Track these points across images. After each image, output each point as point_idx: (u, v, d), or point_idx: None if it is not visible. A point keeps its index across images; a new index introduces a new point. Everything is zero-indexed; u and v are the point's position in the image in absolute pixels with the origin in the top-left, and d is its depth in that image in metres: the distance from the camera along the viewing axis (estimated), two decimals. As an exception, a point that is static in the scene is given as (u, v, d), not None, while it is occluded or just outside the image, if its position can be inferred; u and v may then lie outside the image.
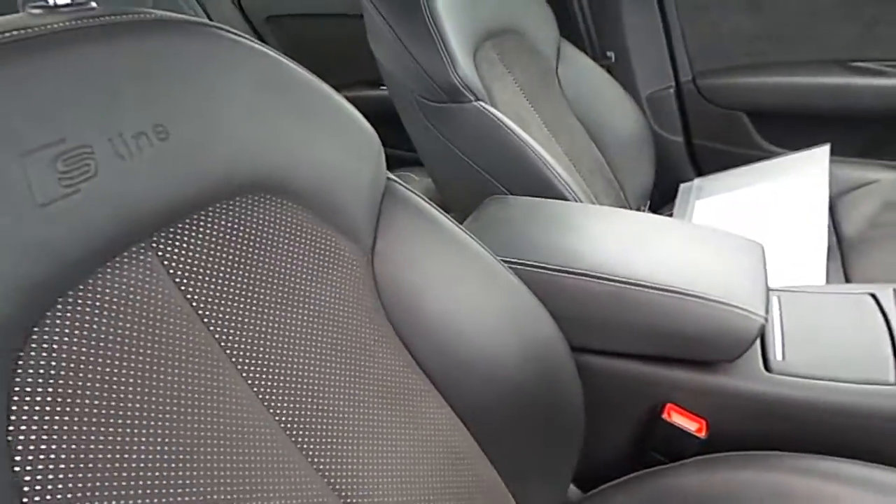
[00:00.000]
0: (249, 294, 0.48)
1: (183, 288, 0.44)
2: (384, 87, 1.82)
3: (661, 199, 1.47)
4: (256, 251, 0.49)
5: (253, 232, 0.49)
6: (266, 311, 0.49)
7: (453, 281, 0.61)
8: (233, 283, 0.47)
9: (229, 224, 0.48)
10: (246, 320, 0.47)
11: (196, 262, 0.45)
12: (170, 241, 0.44)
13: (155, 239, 0.43)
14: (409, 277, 0.60)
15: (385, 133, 0.59)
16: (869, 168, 1.23)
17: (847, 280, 0.99)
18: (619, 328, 0.70)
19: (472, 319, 0.60)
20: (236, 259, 0.48)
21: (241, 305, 0.47)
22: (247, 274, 0.48)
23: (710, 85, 1.45)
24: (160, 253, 0.43)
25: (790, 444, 0.64)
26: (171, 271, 0.43)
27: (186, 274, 0.44)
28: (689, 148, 1.54)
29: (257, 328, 0.48)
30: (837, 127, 1.35)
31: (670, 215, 1.36)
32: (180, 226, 0.45)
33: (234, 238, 0.48)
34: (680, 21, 1.43)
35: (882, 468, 0.59)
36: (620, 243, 0.75)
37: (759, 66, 1.41)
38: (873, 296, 0.77)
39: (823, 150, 1.27)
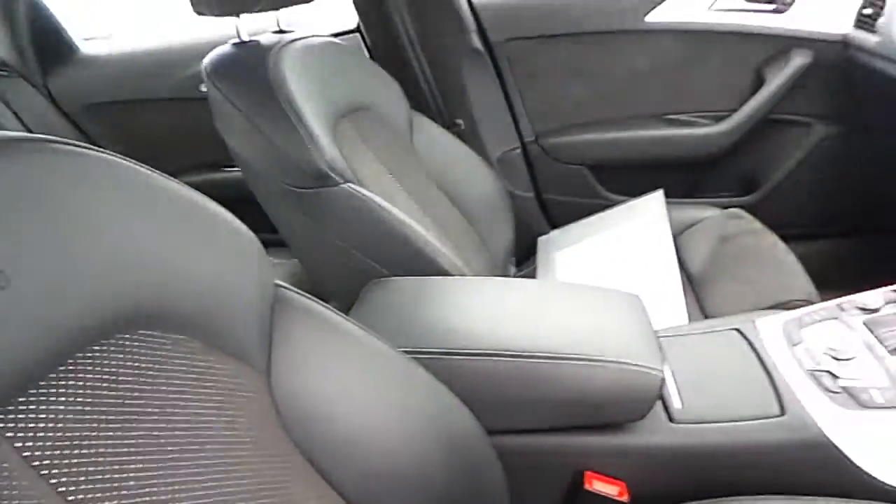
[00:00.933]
0: (125, 460, 0.39)
1: (36, 464, 0.34)
2: (227, 168, 1.73)
3: (523, 255, 1.52)
4: (131, 403, 0.41)
5: (127, 380, 0.41)
6: (149, 470, 0.40)
7: (362, 390, 0.56)
8: (100, 454, 0.38)
9: (97, 377, 0.39)
10: (122, 490, 0.38)
11: (53, 436, 0.36)
12: (16, 416, 0.35)
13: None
14: (313, 393, 0.54)
15: (239, 216, 0.53)
16: (699, 207, 1.37)
17: (704, 314, 1.07)
18: (532, 404, 0.69)
19: (391, 430, 0.55)
20: (104, 419, 0.39)
21: (114, 477, 0.38)
22: (118, 434, 0.39)
23: (551, 144, 1.55)
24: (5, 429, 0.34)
25: (705, 490, 0.66)
26: (20, 447, 0.34)
27: (40, 450, 0.35)
28: (540, 203, 1.62)
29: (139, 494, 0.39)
30: (666, 172, 1.50)
31: (534, 269, 1.41)
32: (32, 392, 0.36)
33: (101, 392, 0.39)
34: (518, 88, 1.52)
35: (797, 499, 0.62)
36: (515, 315, 0.75)
37: (591, 123, 1.54)
38: (738, 330, 0.84)
39: (658, 195, 1.40)
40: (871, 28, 1.22)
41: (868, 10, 1.26)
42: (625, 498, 0.69)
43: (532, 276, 1.40)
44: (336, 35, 1.42)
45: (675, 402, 0.73)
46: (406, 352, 0.62)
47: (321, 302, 0.59)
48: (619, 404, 0.68)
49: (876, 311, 0.78)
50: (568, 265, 1.34)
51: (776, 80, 1.39)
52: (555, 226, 1.53)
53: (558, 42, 1.47)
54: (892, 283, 0.85)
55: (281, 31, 1.07)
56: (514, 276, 1.46)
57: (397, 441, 0.56)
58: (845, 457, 0.65)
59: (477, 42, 1.46)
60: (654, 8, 1.41)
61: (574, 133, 1.55)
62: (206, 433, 0.43)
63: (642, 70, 1.48)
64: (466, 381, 0.67)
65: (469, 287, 0.86)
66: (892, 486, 0.63)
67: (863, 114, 1.37)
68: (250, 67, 0.92)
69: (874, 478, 0.64)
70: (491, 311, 0.77)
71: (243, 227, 0.53)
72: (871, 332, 0.75)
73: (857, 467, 0.64)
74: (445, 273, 0.92)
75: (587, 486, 0.69)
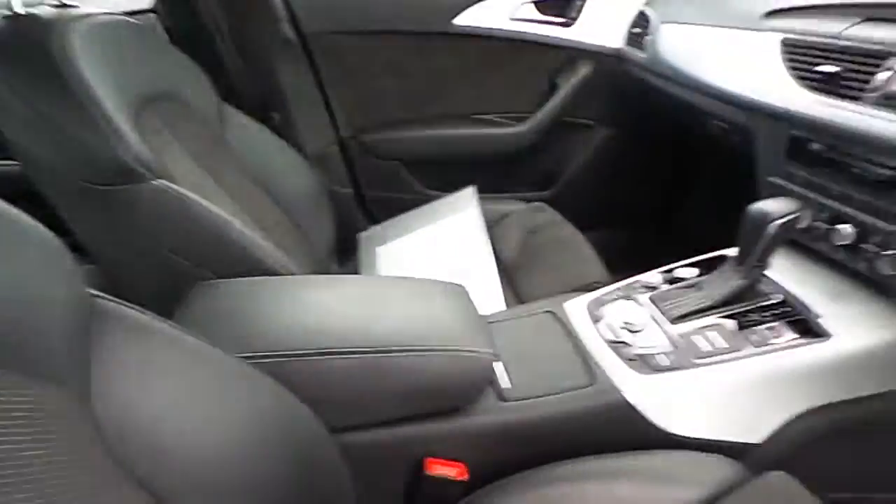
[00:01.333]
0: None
1: None
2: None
3: (345, 251, 1.52)
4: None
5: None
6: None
7: (192, 400, 0.52)
8: None
9: None
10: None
11: None
12: None
13: None
14: (138, 409, 0.49)
15: None
16: (507, 202, 1.49)
17: (519, 299, 1.17)
18: (371, 398, 0.70)
19: (226, 438, 0.52)
20: None
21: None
22: None
23: (368, 140, 1.57)
24: None
25: (534, 459, 0.73)
26: None
27: None
28: (359, 199, 1.63)
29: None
30: (477, 169, 1.60)
31: (356, 265, 1.42)
32: None
33: None
34: (334, 83, 1.51)
35: (606, 456, 0.70)
36: (348, 312, 0.75)
37: (406, 121, 1.58)
38: (550, 312, 0.93)
39: (471, 191, 1.48)
40: (640, 45, 1.42)
41: (637, 30, 1.46)
42: (464, 477, 0.73)
43: (355, 272, 1.41)
44: (129, 14, 1.28)
45: (504, 383, 0.79)
46: (241, 357, 0.59)
47: (143, 310, 0.54)
48: (455, 389, 0.72)
49: (657, 288, 0.92)
50: (390, 260, 1.36)
51: (566, 86, 1.55)
52: (375, 222, 1.54)
53: (373, 38, 1.48)
54: (667, 265, 1.00)
55: (63, 6, 0.94)
56: (338, 273, 1.45)
57: (233, 449, 0.53)
58: (641, 415, 0.76)
59: (289, 32, 1.42)
60: (461, 12, 1.48)
61: (390, 130, 1.58)
62: (23, 470, 0.37)
63: (451, 70, 1.55)
64: (304, 381, 0.65)
65: (298, 286, 0.84)
66: (678, 435, 0.75)
67: (635, 119, 1.59)
68: (29, 46, 0.80)
69: (663, 430, 0.75)
70: (323, 310, 0.76)
71: (49, 235, 0.47)
72: (656, 305, 0.88)
73: (651, 423, 0.75)
74: (273, 273, 0.89)
75: (427, 471, 0.72)
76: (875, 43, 0.83)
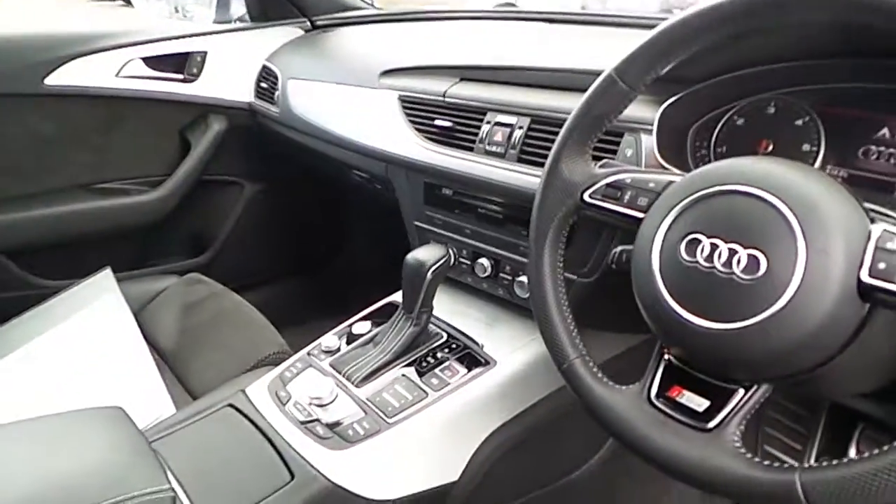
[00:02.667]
0: None
1: None
2: None
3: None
4: None
5: None
6: None
7: None
8: None
9: None
10: None
11: None
12: None
13: None
14: None
15: None
16: (154, 278, 1.31)
17: (190, 394, 1.03)
18: None
19: None
20: None
21: None
22: None
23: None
24: None
25: None
26: None
27: None
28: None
29: None
30: (109, 246, 1.37)
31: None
32: None
33: None
34: None
35: None
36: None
37: (6, 201, 1.27)
38: (231, 405, 0.84)
39: (106, 274, 1.27)
40: (271, 99, 1.40)
41: (264, 84, 1.45)
42: None
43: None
44: None
45: (190, 513, 0.67)
46: None
47: None
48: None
49: (337, 350, 0.91)
50: (14, 379, 1.07)
51: (201, 144, 1.44)
52: (-23, 334, 1.20)
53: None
54: (340, 314, 1.00)
55: None
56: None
57: None
58: (348, 491, 0.72)
59: None
60: (52, 71, 1.25)
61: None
62: None
63: (51, 137, 1.30)
64: None
65: None
66: (388, 500, 0.74)
67: (281, 172, 1.57)
68: None
69: (374, 500, 0.74)
70: None
71: None
72: (338, 372, 0.86)
73: (360, 496, 0.73)
74: None
75: None
76: (473, 100, 0.95)
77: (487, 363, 0.85)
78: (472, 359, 0.86)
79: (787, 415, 0.99)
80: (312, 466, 0.72)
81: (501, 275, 0.93)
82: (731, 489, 0.48)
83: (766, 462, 0.47)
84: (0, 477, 0.56)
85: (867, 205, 0.48)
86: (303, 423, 0.78)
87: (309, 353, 0.91)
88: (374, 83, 1.13)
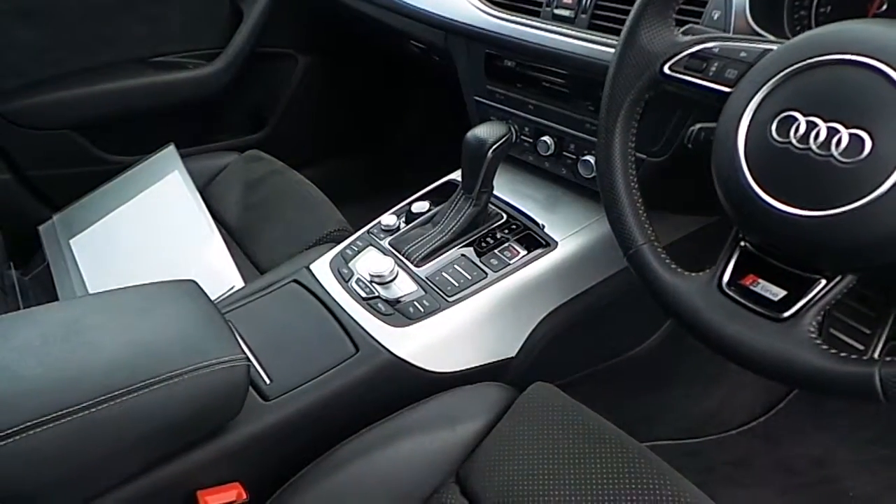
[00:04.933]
0: None
1: None
2: None
3: (24, 252, 1.22)
4: None
5: None
6: None
7: None
8: None
9: None
10: None
11: None
12: None
13: None
14: None
15: None
16: (216, 155, 1.32)
17: (258, 268, 1.06)
18: (117, 455, 0.57)
19: None
20: None
21: None
22: None
23: (17, 109, 1.23)
24: None
25: (316, 449, 0.68)
26: None
27: None
28: (26, 183, 1.30)
29: None
30: (170, 121, 1.38)
31: (45, 268, 1.15)
32: None
33: None
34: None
35: (383, 421, 0.69)
36: (57, 360, 0.58)
37: (65, 77, 1.28)
38: (296, 281, 0.87)
39: (170, 150, 1.28)
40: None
41: (315, -56, 1.35)
42: (243, 498, 0.65)
43: (44, 276, 1.14)
44: None
45: (263, 380, 0.71)
46: None
47: None
48: (210, 413, 0.62)
49: (397, 230, 0.91)
50: (90, 255, 1.13)
51: (253, 11, 1.39)
52: (56, 209, 1.26)
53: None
54: (399, 192, 0.99)
55: None
56: (19, 282, 1.17)
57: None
58: (411, 365, 0.75)
59: None
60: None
61: (46, 91, 1.26)
62: None
63: (105, 5, 1.28)
64: (24, 465, 0.51)
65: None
66: (448, 373, 0.77)
67: (334, 44, 1.51)
68: None
69: (435, 372, 0.76)
70: (23, 366, 0.58)
71: None
72: (398, 251, 0.86)
73: (422, 370, 0.76)
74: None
75: (203, 508, 0.63)
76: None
77: (548, 244, 0.83)
78: (533, 239, 0.84)
79: (857, 298, 0.96)
80: (376, 340, 0.75)
81: (565, 153, 0.88)
82: (804, 381, 0.46)
83: (843, 354, 0.45)
84: (90, 343, 0.60)
85: None
86: (365, 299, 0.80)
87: (369, 232, 0.92)
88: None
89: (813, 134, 0.44)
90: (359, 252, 0.88)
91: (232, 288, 0.95)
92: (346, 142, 1.67)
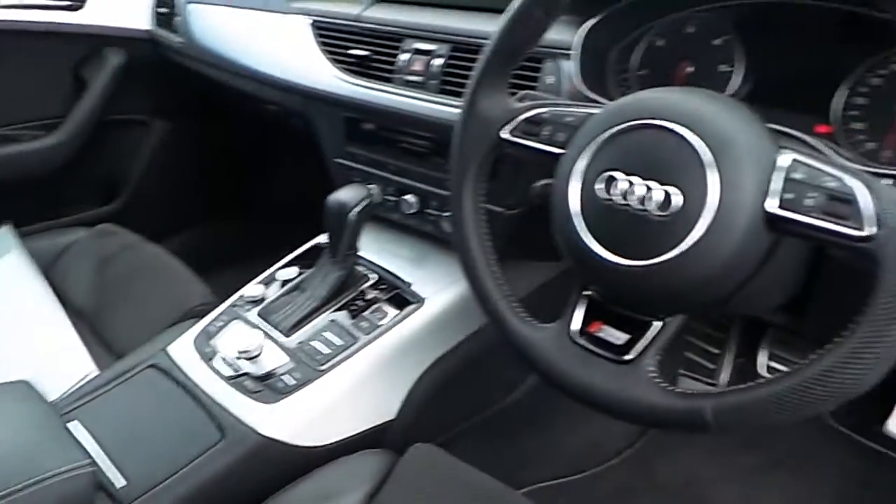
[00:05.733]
0: None
1: None
2: None
3: None
4: None
5: None
6: None
7: None
8: None
9: None
10: None
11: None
12: None
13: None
14: None
15: None
16: (61, 231, 1.22)
17: (112, 352, 0.98)
18: None
19: None
20: None
21: None
22: None
23: None
24: None
25: None
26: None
27: None
28: None
29: None
30: (9, 198, 1.26)
31: None
32: None
33: None
34: None
35: None
36: None
37: None
38: (154, 366, 0.80)
39: (5, 231, 1.17)
40: (171, 27, 1.28)
41: (162, 9, 1.31)
42: None
43: None
44: None
45: (117, 480, 0.65)
46: None
47: None
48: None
49: (263, 299, 0.88)
50: None
51: (98, 81, 1.32)
52: None
53: None
54: (265, 257, 0.96)
55: None
56: None
57: None
58: (284, 443, 0.72)
59: None
60: None
61: None
62: None
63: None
64: None
65: None
66: (325, 445, 0.74)
67: (191, 108, 1.46)
68: None
69: (310, 447, 0.73)
70: None
71: None
72: (267, 321, 0.83)
73: (296, 447, 0.72)
74: None
75: None
76: (390, 24, 0.89)
77: (416, 302, 0.84)
78: (401, 299, 0.85)
79: (699, 336, 1.04)
80: (242, 422, 0.71)
81: (428, 211, 0.90)
82: (646, 418, 0.49)
83: (679, 390, 0.48)
84: None
85: (773, 126, 0.48)
86: (230, 378, 0.76)
87: (233, 305, 0.88)
88: (284, 6, 1.04)
89: (631, 191, 0.48)
90: (223, 327, 0.84)
91: (86, 376, 0.87)
92: (212, 207, 1.60)
